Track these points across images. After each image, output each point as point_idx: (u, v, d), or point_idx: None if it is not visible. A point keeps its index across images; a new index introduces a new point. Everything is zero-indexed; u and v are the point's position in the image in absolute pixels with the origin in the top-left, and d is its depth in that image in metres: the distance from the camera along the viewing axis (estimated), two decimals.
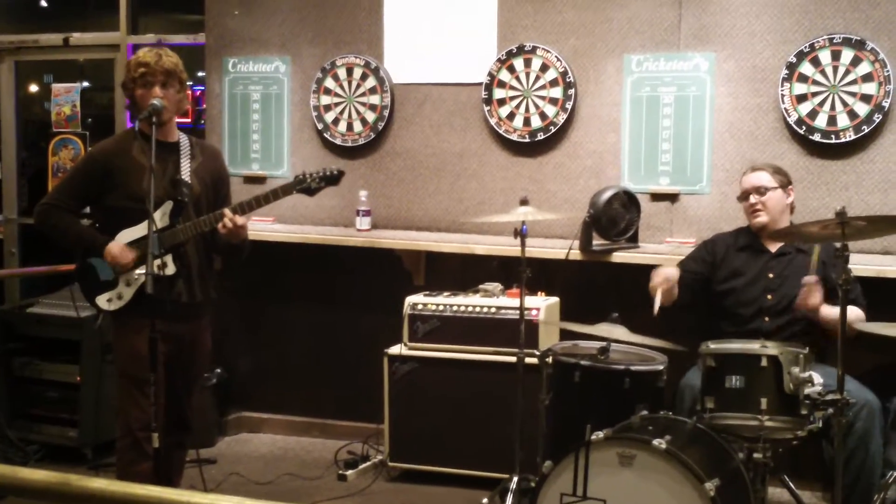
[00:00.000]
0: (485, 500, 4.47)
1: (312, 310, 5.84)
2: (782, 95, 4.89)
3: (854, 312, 4.07)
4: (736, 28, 4.99)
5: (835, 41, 4.80)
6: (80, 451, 5.23)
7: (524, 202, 4.32)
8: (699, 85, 5.06)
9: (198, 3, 6.00)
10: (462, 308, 4.93)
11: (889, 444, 4.18)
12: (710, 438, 3.58)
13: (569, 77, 5.24)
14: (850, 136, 4.81)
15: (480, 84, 5.42)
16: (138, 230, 3.82)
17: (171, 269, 3.80)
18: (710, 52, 5.04)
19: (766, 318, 4.33)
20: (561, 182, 5.32)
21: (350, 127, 5.69)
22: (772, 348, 3.56)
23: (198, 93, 6.41)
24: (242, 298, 5.89)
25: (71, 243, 3.95)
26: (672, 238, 5.12)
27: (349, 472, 5.08)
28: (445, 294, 5.07)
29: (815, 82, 4.84)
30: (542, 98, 5.31)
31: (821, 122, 4.84)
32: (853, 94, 4.79)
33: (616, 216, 4.92)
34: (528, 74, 5.33)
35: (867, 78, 4.76)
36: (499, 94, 5.39)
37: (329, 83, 5.71)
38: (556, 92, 5.27)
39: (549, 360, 4.03)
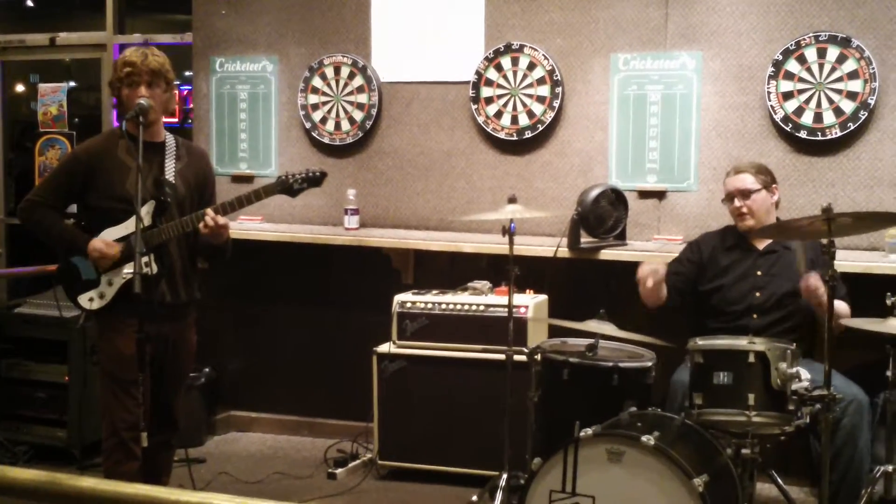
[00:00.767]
0: (474, 498, 4.48)
1: (301, 309, 5.84)
2: (769, 93, 4.91)
3: (841, 306, 4.09)
4: (722, 27, 5.00)
5: (820, 39, 4.82)
6: (69, 451, 5.22)
7: (512, 200, 4.33)
8: (686, 83, 5.08)
9: (185, 2, 6.00)
10: (451, 306, 4.93)
11: (877, 440, 4.20)
12: (699, 434, 3.60)
13: (556, 75, 5.25)
14: (836, 133, 4.83)
15: (468, 83, 5.43)
16: (121, 229, 3.82)
17: (153, 269, 3.79)
18: (696, 50, 5.06)
19: (755, 316, 4.35)
20: (549, 180, 5.33)
21: (338, 126, 5.69)
22: (759, 344, 3.57)
23: (185, 92, 6.40)
24: (231, 298, 5.89)
25: (54, 240, 3.93)
26: (660, 235, 5.14)
27: (339, 471, 5.08)
28: (434, 292, 5.08)
29: (802, 80, 4.86)
30: (530, 96, 5.32)
31: (807, 119, 4.87)
32: (839, 92, 4.81)
33: (604, 214, 4.93)
34: (515, 73, 5.33)
35: (853, 75, 4.78)
36: (486, 92, 5.39)
37: (316, 82, 5.71)
38: (544, 90, 5.28)
39: (538, 357, 4.03)
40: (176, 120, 6.42)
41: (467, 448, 4.85)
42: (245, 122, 5.90)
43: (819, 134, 4.86)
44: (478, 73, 5.40)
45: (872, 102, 4.76)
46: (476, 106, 5.41)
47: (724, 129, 5.03)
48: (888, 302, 3.74)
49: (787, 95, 4.89)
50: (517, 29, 5.36)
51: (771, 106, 4.91)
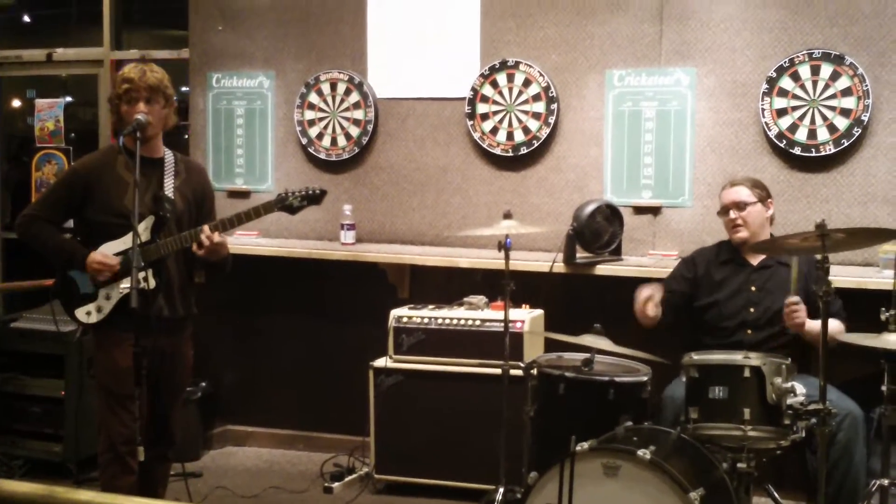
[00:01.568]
0: None
1: (298, 323, 5.85)
2: (763, 110, 4.94)
3: (835, 325, 4.11)
4: (717, 44, 5.04)
5: (814, 56, 4.86)
6: (65, 465, 5.21)
7: (508, 216, 4.35)
8: (680, 100, 5.11)
9: (181, 18, 6.02)
10: (447, 321, 4.94)
11: (872, 454, 4.21)
12: (695, 449, 3.60)
13: (551, 92, 5.27)
14: (830, 149, 4.86)
15: (464, 99, 5.45)
16: (119, 244, 3.82)
17: (151, 284, 3.80)
18: (691, 67, 5.09)
19: (749, 331, 4.36)
20: (544, 196, 5.35)
21: (334, 142, 5.71)
22: (754, 359, 3.58)
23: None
24: (228, 312, 5.89)
25: (51, 254, 3.94)
26: (655, 251, 5.15)
27: (335, 485, 5.08)
28: (430, 307, 5.09)
29: (795, 97, 4.89)
30: (525, 112, 5.34)
31: (801, 135, 4.89)
32: (833, 109, 4.84)
33: (599, 229, 4.95)
34: (510, 89, 5.36)
35: (846, 92, 4.81)
36: (482, 108, 5.42)
37: (313, 98, 5.73)
38: (539, 106, 5.31)
39: (534, 371, 4.05)
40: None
41: (464, 462, 4.85)
42: (241, 137, 5.92)
43: (813, 150, 4.88)
44: (473, 89, 5.43)
45: (866, 119, 4.79)
46: (472, 122, 5.43)
47: (719, 145, 5.06)
48: (882, 317, 3.76)
49: (781, 112, 4.91)
50: (512, 45, 5.39)
51: (765, 122, 4.94)
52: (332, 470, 5.30)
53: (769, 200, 4.52)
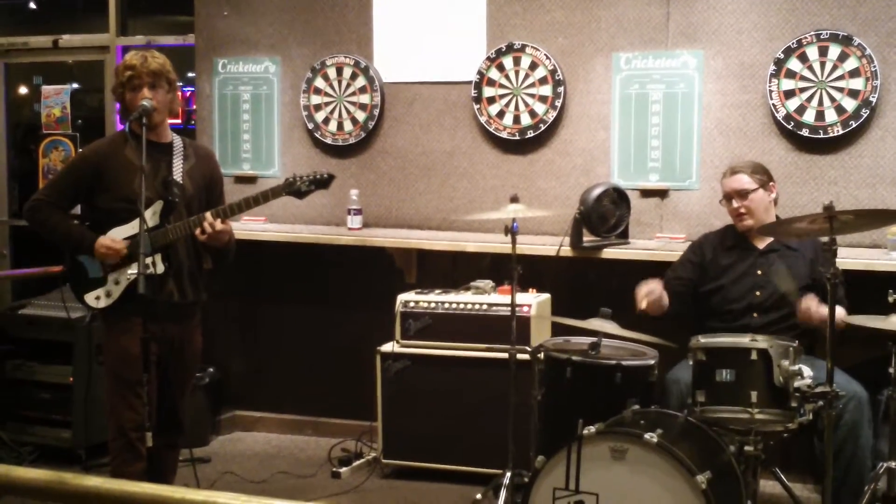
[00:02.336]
0: (478, 496, 4.49)
1: (305, 308, 5.86)
2: (770, 91, 4.92)
3: (839, 313, 4.09)
4: (724, 25, 5.01)
5: (822, 37, 4.83)
6: (74, 451, 5.23)
7: (514, 200, 4.34)
8: (688, 82, 5.09)
9: (187, 4, 6.01)
10: (454, 305, 4.94)
11: (880, 437, 4.20)
12: (702, 432, 3.61)
13: (558, 75, 5.26)
14: (838, 131, 4.84)
15: (470, 82, 5.44)
16: (128, 229, 3.83)
17: (159, 269, 3.81)
18: (698, 49, 5.06)
19: (756, 315, 4.36)
20: (551, 179, 5.34)
21: (340, 126, 5.71)
22: (761, 342, 3.58)
23: (187, 94, 6.41)
24: (235, 297, 5.90)
25: (60, 240, 3.95)
26: (662, 234, 5.15)
27: (343, 470, 5.09)
28: (437, 291, 5.09)
29: (803, 78, 4.87)
30: (532, 96, 5.33)
31: (809, 117, 4.87)
32: (841, 90, 4.82)
33: (606, 213, 4.94)
34: (517, 73, 5.35)
35: (854, 73, 4.79)
36: (488, 92, 5.41)
37: (319, 83, 5.72)
38: (546, 90, 5.30)
39: (541, 355, 4.05)
40: (179, 121, 6.44)
41: (471, 446, 4.86)
42: (248, 122, 5.92)
43: (821, 132, 4.86)
44: (480, 72, 5.41)
45: (874, 100, 4.77)
46: (478, 106, 5.42)
47: (726, 127, 5.04)
48: (890, 299, 3.75)
49: (789, 94, 4.89)
50: (519, 29, 5.37)
51: (773, 104, 4.92)
52: (340, 455, 5.31)
53: (771, 184, 4.49)
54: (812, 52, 4.85)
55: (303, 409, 5.90)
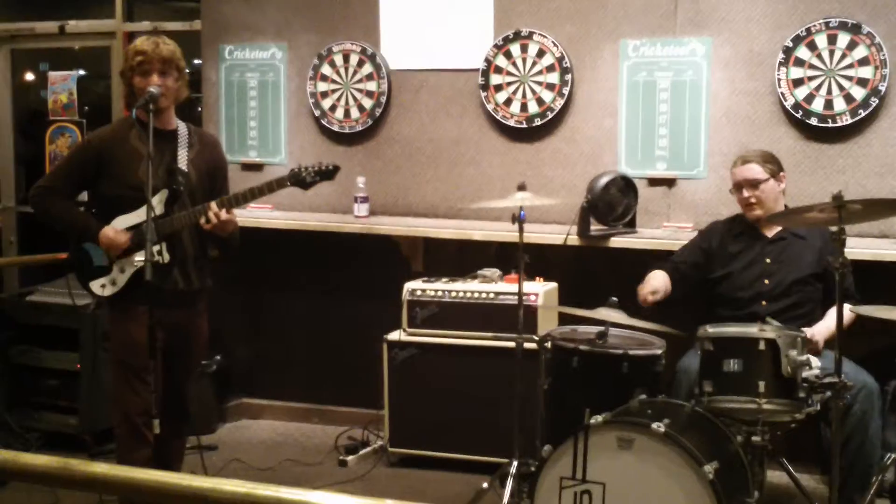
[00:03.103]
0: (485, 485, 4.49)
1: (311, 296, 5.85)
2: (779, 80, 4.89)
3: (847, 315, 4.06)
4: (732, 13, 4.99)
5: (831, 25, 4.80)
6: (80, 438, 5.24)
7: (522, 188, 4.32)
8: (696, 70, 5.07)
9: None
10: (461, 294, 4.94)
11: (887, 427, 4.20)
12: (709, 422, 3.60)
13: (565, 62, 5.23)
14: (847, 119, 4.81)
15: (477, 70, 5.42)
16: (133, 217, 3.83)
17: (165, 258, 3.81)
18: (706, 36, 5.04)
19: (764, 303, 4.34)
20: (558, 167, 5.33)
21: (347, 114, 5.69)
22: (769, 331, 3.57)
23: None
24: (241, 285, 5.90)
25: (65, 227, 3.95)
26: (669, 223, 5.13)
27: (349, 458, 5.10)
28: (444, 280, 5.09)
29: (812, 66, 4.84)
30: (539, 83, 5.31)
31: (817, 106, 4.85)
32: (849, 78, 4.80)
33: (613, 201, 4.93)
34: (524, 60, 5.33)
35: (863, 62, 4.76)
36: (496, 79, 5.39)
37: (326, 70, 5.71)
38: (553, 77, 5.27)
39: (548, 345, 4.05)
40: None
41: (478, 435, 4.86)
42: (254, 109, 5.90)
43: (829, 121, 4.84)
44: (487, 60, 5.39)
45: (883, 89, 4.74)
46: (485, 93, 5.40)
47: (734, 115, 5.02)
48: None
49: (798, 82, 4.87)
50: (526, 16, 5.34)
51: (781, 93, 4.89)
52: (347, 443, 5.32)
53: (781, 174, 4.48)
54: (821, 41, 4.82)
55: (309, 398, 5.91)
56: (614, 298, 3.96)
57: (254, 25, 5.86)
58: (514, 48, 5.34)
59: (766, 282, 4.37)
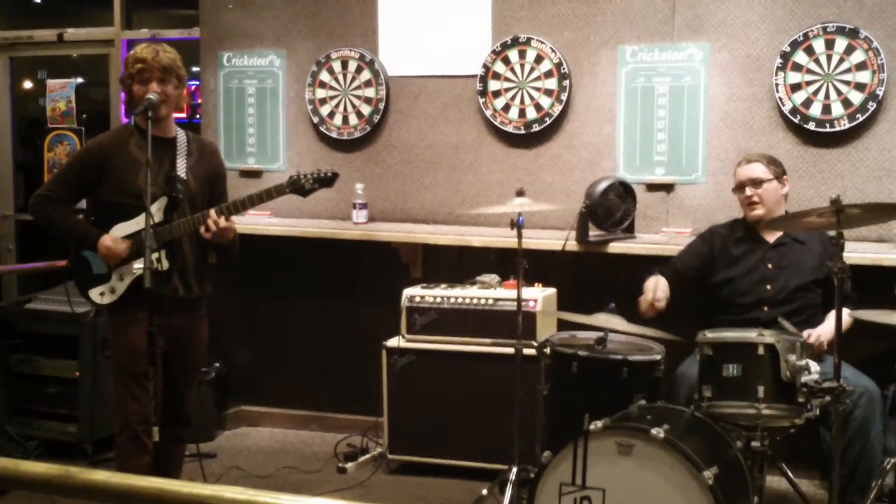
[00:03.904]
0: (484, 492, 4.48)
1: (310, 303, 5.85)
2: (776, 85, 4.90)
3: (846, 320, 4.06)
4: (730, 18, 4.99)
5: (828, 30, 4.81)
6: (80, 446, 5.23)
7: (520, 193, 4.33)
8: (693, 75, 5.07)
9: None
10: (460, 300, 4.94)
11: (887, 431, 4.20)
12: (708, 427, 3.60)
13: (563, 68, 5.24)
14: (845, 124, 4.82)
15: (475, 76, 5.43)
16: (132, 225, 3.83)
17: (164, 265, 3.81)
18: (704, 42, 5.05)
19: (766, 308, 4.35)
20: (557, 173, 5.33)
21: (346, 120, 5.70)
22: (769, 336, 3.57)
23: (192, 88, 6.40)
24: (240, 292, 5.90)
25: (64, 235, 3.94)
26: (668, 228, 5.13)
27: (349, 465, 5.09)
28: (443, 286, 5.09)
29: (810, 71, 4.85)
30: (538, 89, 5.31)
31: (815, 110, 4.86)
32: (847, 83, 4.80)
33: (612, 207, 4.93)
34: (522, 66, 5.33)
35: (861, 66, 4.77)
36: (494, 85, 5.39)
37: (324, 76, 5.71)
38: (551, 83, 5.28)
39: (547, 350, 4.04)
40: (184, 115, 6.43)
41: (477, 442, 4.86)
42: (253, 116, 5.91)
43: (827, 125, 4.85)
44: (485, 66, 5.40)
45: (881, 93, 4.75)
46: (483, 99, 5.41)
47: (732, 120, 5.03)
48: None
49: (796, 87, 4.88)
50: (524, 22, 5.35)
51: (779, 97, 4.90)
52: (346, 450, 5.31)
53: (784, 178, 4.49)
54: (818, 45, 4.83)
55: (309, 405, 5.90)
56: (612, 304, 3.96)
57: (252, 33, 5.87)
58: (513, 54, 5.35)
59: (769, 287, 4.37)
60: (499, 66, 5.38)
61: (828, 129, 4.85)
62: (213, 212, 3.79)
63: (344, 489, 4.84)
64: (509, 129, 5.38)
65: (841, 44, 4.79)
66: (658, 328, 4.01)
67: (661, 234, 5.11)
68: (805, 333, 4.07)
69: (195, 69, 6.14)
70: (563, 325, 4.68)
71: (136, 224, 3.80)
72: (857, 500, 4.00)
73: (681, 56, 5.09)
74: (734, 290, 4.43)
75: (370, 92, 5.63)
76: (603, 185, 4.89)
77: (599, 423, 3.44)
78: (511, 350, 4.37)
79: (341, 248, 5.54)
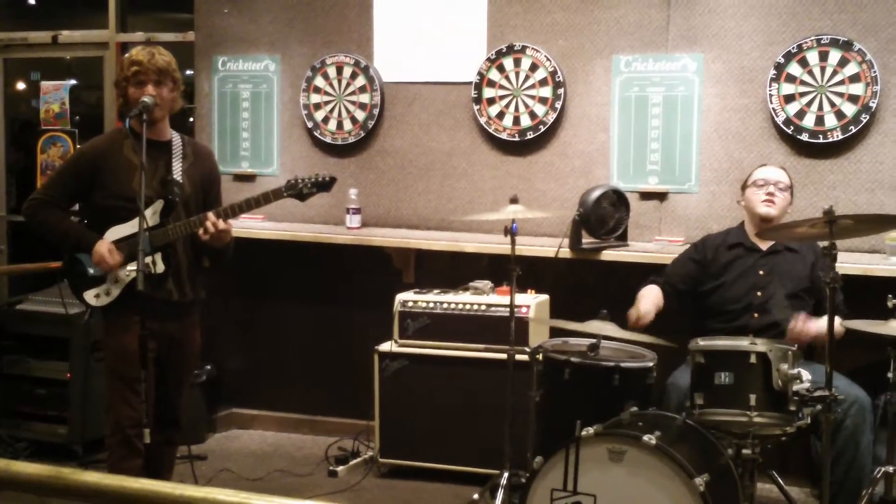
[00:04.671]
0: (475, 496, 4.48)
1: (303, 307, 5.85)
2: (770, 96, 4.92)
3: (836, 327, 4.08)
4: (724, 29, 5.02)
5: (822, 42, 4.84)
6: (70, 447, 5.22)
7: (514, 201, 4.34)
8: (687, 85, 5.09)
9: (187, 1, 6.00)
10: (452, 305, 4.94)
11: (877, 441, 4.21)
12: (700, 434, 3.61)
13: (558, 77, 5.26)
14: (838, 136, 4.84)
15: (470, 83, 5.44)
16: (127, 228, 3.81)
17: (159, 268, 3.80)
18: (698, 52, 5.07)
19: (756, 315, 4.36)
20: (550, 181, 5.34)
21: (340, 125, 5.70)
22: (761, 345, 3.58)
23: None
24: (233, 296, 5.89)
25: (59, 239, 3.93)
26: (661, 237, 5.15)
27: (340, 469, 5.09)
28: (435, 292, 5.09)
29: (803, 83, 4.88)
30: (532, 97, 5.33)
31: (808, 122, 4.88)
32: (840, 95, 4.83)
33: (605, 215, 4.94)
34: (517, 74, 5.35)
35: (854, 78, 4.80)
36: (488, 93, 5.40)
37: (319, 82, 5.72)
38: (546, 91, 5.29)
39: (540, 356, 4.04)
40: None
41: (468, 446, 4.86)
42: (247, 121, 5.91)
43: (820, 137, 4.87)
44: (480, 73, 5.41)
45: (874, 106, 4.77)
46: (478, 106, 5.42)
47: (726, 131, 5.04)
48: (889, 304, 3.75)
49: (789, 98, 4.90)
50: (519, 30, 5.37)
51: (772, 108, 4.92)
52: (337, 454, 5.31)
53: (791, 196, 4.53)
54: (812, 57, 4.85)
55: (300, 408, 5.90)
56: (605, 311, 3.96)
57: (247, 37, 5.87)
58: (507, 62, 5.36)
59: (759, 294, 4.38)
60: (494, 74, 5.39)
61: (821, 141, 4.87)
62: (211, 214, 3.79)
63: (335, 493, 4.84)
64: (503, 136, 5.39)
65: (835, 56, 4.82)
66: (651, 335, 4.02)
67: (653, 243, 5.13)
68: (794, 315, 4.10)
69: (189, 72, 6.14)
70: (555, 332, 4.68)
71: (131, 227, 3.79)
72: None
73: (675, 66, 5.11)
74: (724, 296, 4.44)
75: (364, 97, 5.64)
76: (596, 194, 4.90)
77: (591, 430, 3.45)
78: (503, 356, 4.38)
79: (334, 253, 5.54)
